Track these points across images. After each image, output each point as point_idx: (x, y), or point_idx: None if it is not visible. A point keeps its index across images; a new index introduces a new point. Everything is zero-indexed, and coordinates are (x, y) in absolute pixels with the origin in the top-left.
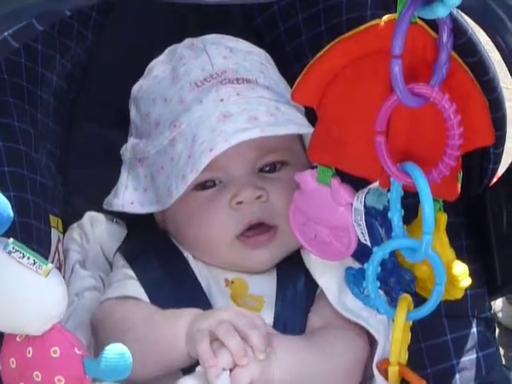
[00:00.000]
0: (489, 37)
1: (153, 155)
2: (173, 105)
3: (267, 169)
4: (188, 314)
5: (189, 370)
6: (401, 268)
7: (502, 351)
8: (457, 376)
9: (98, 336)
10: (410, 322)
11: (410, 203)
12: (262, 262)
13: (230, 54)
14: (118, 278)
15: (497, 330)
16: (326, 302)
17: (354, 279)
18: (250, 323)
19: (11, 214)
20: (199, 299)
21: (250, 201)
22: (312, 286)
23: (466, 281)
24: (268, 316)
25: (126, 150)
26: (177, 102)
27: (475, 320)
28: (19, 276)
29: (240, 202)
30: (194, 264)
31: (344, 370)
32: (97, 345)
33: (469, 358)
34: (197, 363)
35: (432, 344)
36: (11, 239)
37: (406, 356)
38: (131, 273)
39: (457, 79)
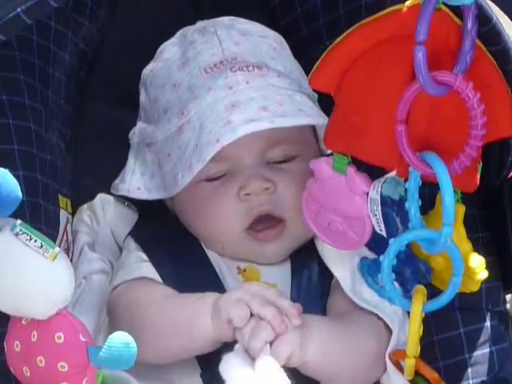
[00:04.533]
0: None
1: (160, 141)
2: (181, 91)
3: (276, 159)
4: (210, 295)
5: (204, 359)
6: (416, 259)
7: None
8: (469, 370)
9: (113, 319)
10: (423, 315)
11: (426, 193)
12: (271, 256)
13: (243, 38)
14: (132, 260)
15: None
16: (344, 292)
17: (369, 269)
18: (276, 294)
19: (20, 195)
20: (213, 284)
21: (258, 192)
22: (327, 275)
23: (482, 273)
24: None
25: (134, 135)
26: (185, 88)
27: (489, 314)
28: (25, 259)
29: (248, 194)
30: (207, 250)
31: (372, 353)
32: (112, 328)
33: (482, 352)
34: (216, 351)
35: (445, 337)
36: (19, 221)
37: (419, 348)
38: (144, 256)
39: (480, 68)
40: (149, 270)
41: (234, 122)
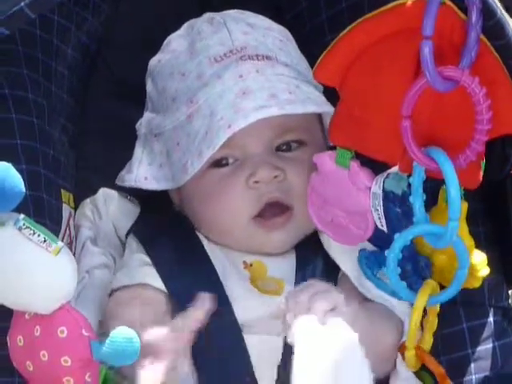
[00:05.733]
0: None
1: (169, 131)
2: (190, 80)
3: (284, 148)
4: None
5: None
6: (418, 255)
7: None
8: (472, 365)
9: (109, 328)
10: (437, 309)
11: (428, 187)
12: (278, 244)
13: (251, 30)
14: (134, 263)
15: None
16: (351, 286)
17: (367, 261)
18: None
19: (23, 189)
20: (213, 285)
21: (267, 180)
22: (332, 269)
23: (484, 270)
24: None
25: (141, 125)
26: (195, 76)
27: (492, 309)
28: (28, 253)
29: (257, 182)
30: (209, 248)
31: (391, 344)
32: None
33: (485, 347)
34: None
35: (447, 332)
36: (22, 215)
37: (431, 342)
38: (146, 258)
39: (484, 64)
40: (149, 274)
41: (246, 109)
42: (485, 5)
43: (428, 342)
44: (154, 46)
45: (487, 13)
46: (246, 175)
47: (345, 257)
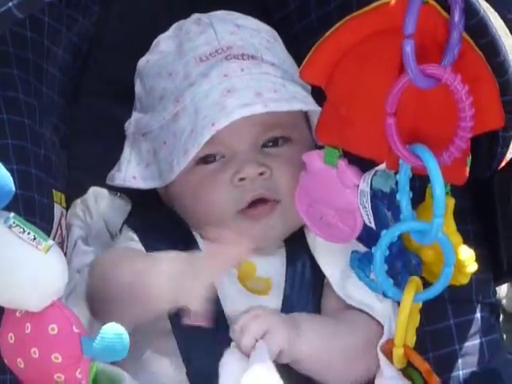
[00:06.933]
0: (497, 12)
1: (156, 130)
2: (178, 79)
3: (270, 144)
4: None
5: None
6: (407, 252)
7: (505, 337)
8: (459, 361)
9: (90, 278)
10: (420, 305)
11: (417, 186)
12: (264, 233)
13: (238, 30)
14: (121, 240)
15: (501, 317)
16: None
17: (360, 263)
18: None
19: (12, 187)
20: None
21: (253, 177)
22: (320, 270)
23: (472, 266)
24: (276, 298)
25: (130, 125)
26: (182, 76)
27: (479, 305)
28: (19, 251)
29: (242, 179)
30: (202, 243)
31: (363, 348)
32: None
33: (472, 343)
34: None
35: (435, 328)
36: (12, 213)
37: (414, 339)
38: (136, 237)
39: (467, 60)
40: (133, 243)
41: (230, 107)
42: (467, 4)
43: (411, 339)
44: (145, 47)
45: (470, 11)
46: (230, 173)
47: (328, 262)
